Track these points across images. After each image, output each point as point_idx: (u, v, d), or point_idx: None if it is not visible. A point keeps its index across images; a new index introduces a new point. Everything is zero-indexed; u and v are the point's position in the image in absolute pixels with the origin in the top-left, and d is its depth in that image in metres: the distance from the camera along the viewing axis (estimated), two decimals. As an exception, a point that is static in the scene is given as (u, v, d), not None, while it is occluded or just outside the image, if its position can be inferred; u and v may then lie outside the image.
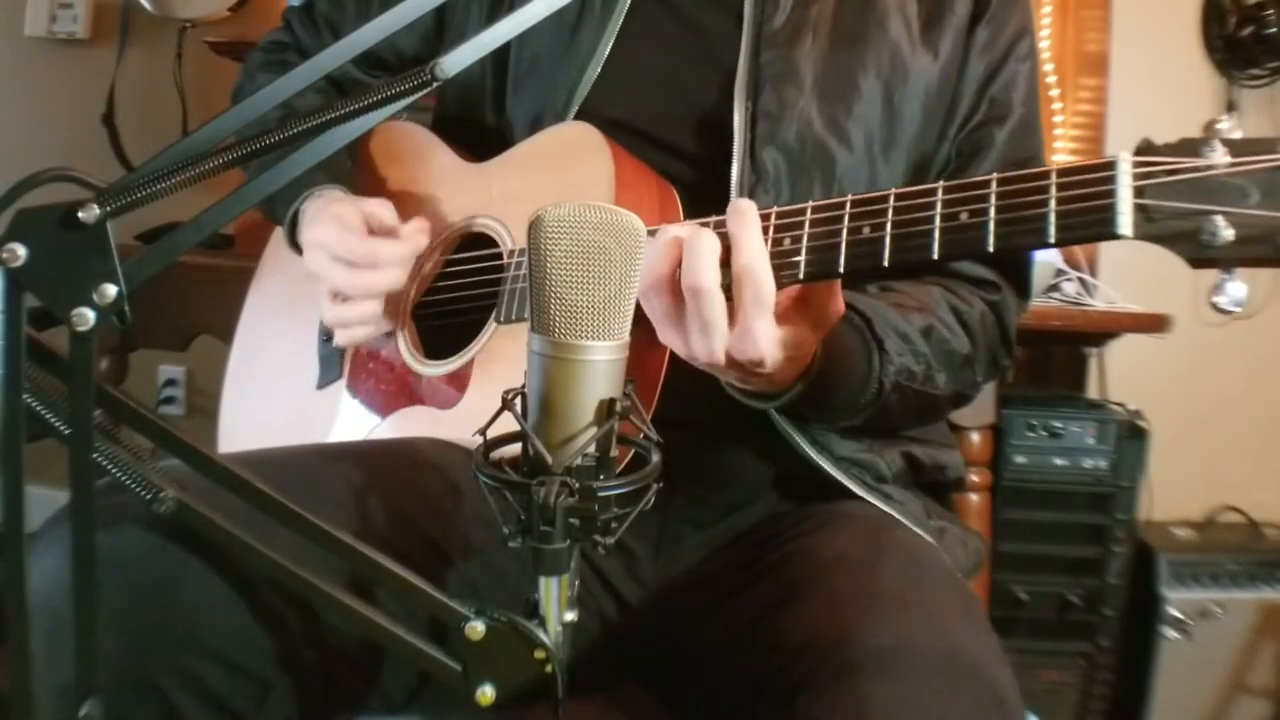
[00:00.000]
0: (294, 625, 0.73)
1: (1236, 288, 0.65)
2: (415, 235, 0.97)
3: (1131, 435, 1.86)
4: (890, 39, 0.96)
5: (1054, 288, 1.89)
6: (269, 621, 0.72)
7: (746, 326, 0.71)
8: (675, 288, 0.73)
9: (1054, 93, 2.17)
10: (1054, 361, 2.22)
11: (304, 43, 1.19)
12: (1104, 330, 1.87)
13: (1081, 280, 1.94)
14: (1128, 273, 2.01)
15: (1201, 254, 0.63)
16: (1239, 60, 2.14)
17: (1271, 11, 2.08)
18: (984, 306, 0.97)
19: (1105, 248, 2.10)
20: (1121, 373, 2.17)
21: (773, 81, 0.93)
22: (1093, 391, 2.18)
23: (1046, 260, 1.83)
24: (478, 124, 1.07)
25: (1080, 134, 2.20)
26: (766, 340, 0.72)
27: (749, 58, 0.94)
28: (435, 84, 0.51)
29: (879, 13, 0.96)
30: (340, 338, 1.02)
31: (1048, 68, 2.17)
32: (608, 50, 0.98)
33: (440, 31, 1.11)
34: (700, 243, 0.71)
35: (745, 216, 0.72)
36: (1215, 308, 0.65)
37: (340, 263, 0.96)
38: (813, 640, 0.69)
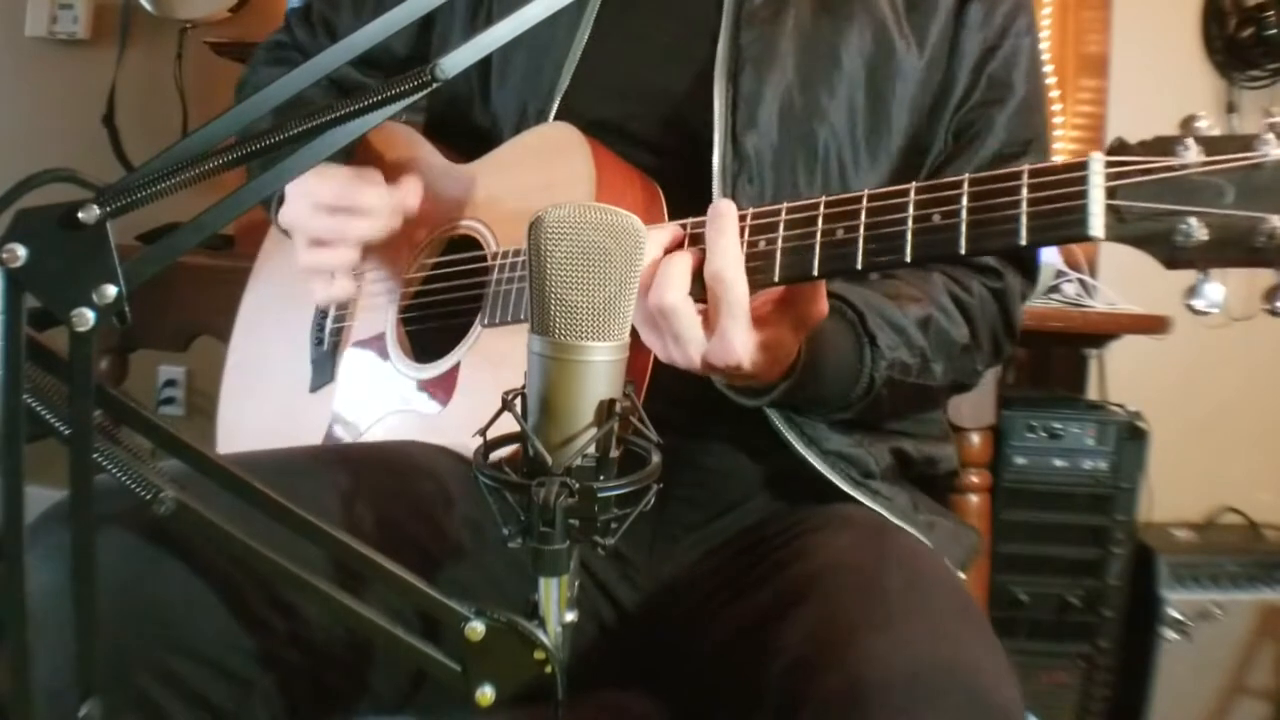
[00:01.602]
0: (276, 625, 0.73)
1: (1214, 289, 0.63)
2: (404, 189, 0.96)
3: (1131, 436, 1.86)
4: (875, 17, 0.94)
5: (1054, 289, 1.89)
6: (250, 621, 0.72)
7: (722, 333, 0.72)
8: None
9: (1054, 94, 2.17)
10: (1054, 363, 2.22)
11: (302, 43, 1.20)
12: (1104, 331, 1.87)
13: (1081, 282, 1.94)
14: (1128, 274, 2.00)
15: (1175, 255, 0.62)
16: (1239, 62, 2.14)
17: (1272, 13, 2.08)
18: (985, 293, 0.95)
19: (1106, 249, 2.10)
20: (1121, 374, 2.17)
21: (754, 62, 0.92)
22: (1093, 393, 2.18)
23: (1048, 261, 1.83)
24: (466, 123, 1.06)
25: (1080, 135, 2.20)
26: (742, 346, 0.72)
27: (729, 38, 0.93)
28: (435, 84, 0.51)
29: None
30: (317, 294, 1.00)
31: (1048, 69, 2.17)
32: (584, 43, 0.97)
33: (427, 27, 1.11)
34: (671, 263, 0.73)
35: (722, 221, 0.73)
36: (1191, 310, 0.63)
37: (321, 209, 0.95)
38: (813, 656, 0.68)
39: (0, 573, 0.47)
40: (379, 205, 0.95)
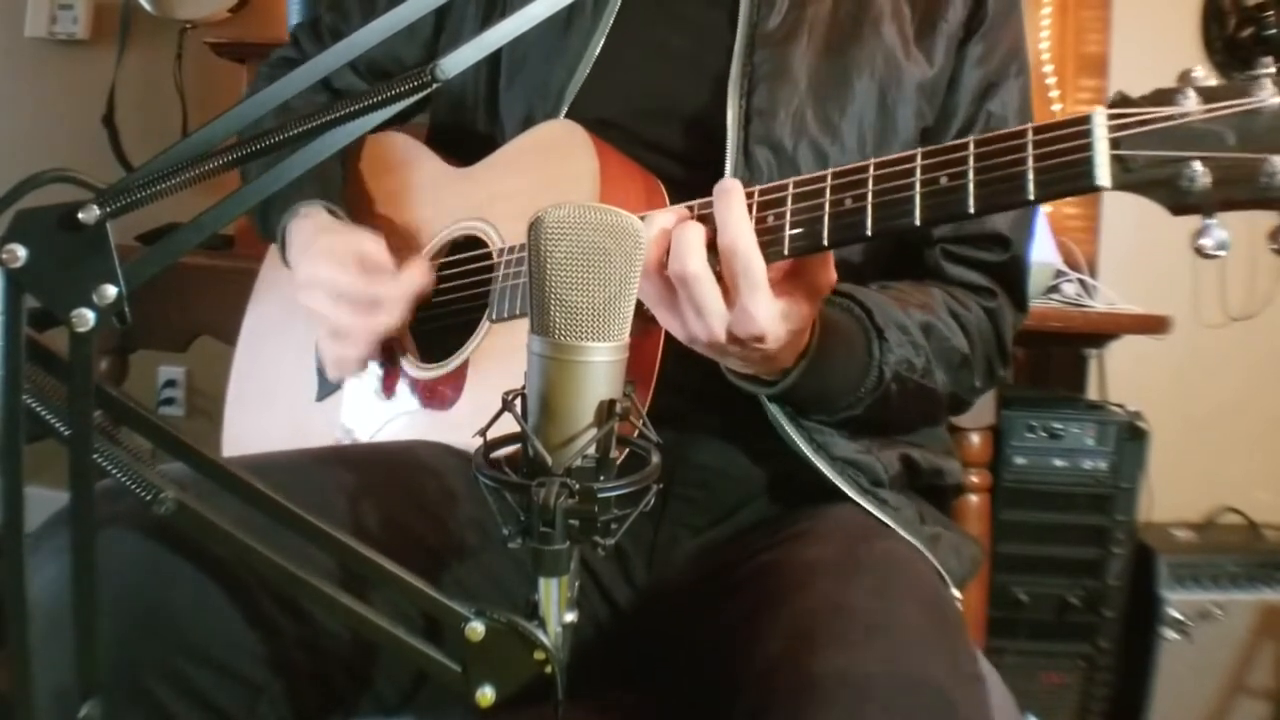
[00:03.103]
0: (284, 628, 0.73)
1: (1220, 232, 0.64)
2: (415, 274, 0.96)
3: (1131, 436, 1.86)
4: (885, 42, 0.96)
5: (1054, 289, 1.89)
6: (258, 624, 0.72)
7: (743, 304, 0.72)
8: (666, 273, 0.74)
9: (1054, 93, 2.17)
10: (1054, 362, 2.22)
11: (310, 58, 1.19)
12: (1104, 331, 1.88)
13: (1081, 281, 1.93)
14: (1127, 274, 2.01)
15: (1182, 200, 0.63)
16: (1239, 61, 2.14)
17: (1271, 13, 2.08)
18: (980, 312, 0.97)
19: (1105, 248, 2.10)
20: (1121, 374, 2.17)
21: (766, 80, 0.94)
22: (1092, 392, 2.18)
23: (1046, 261, 1.83)
24: (469, 130, 1.07)
25: (1080, 135, 2.19)
26: (765, 315, 0.73)
27: (742, 57, 0.94)
28: (435, 84, 0.51)
29: (873, 16, 0.97)
30: (334, 373, 1.02)
31: (1047, 69, 2.17)
32: (598, 50, 0.98)
33: (438, 35, 1.11)
34: (686, 231, 0.73)
35: (729, 197, 0.73)
36: (1200, 252, 0.64)
37: (344, 302, 0.95)
38: (779, 664, 0.69)
39: (1, 573, 0.47)
40: (397, 296, 0.95)
